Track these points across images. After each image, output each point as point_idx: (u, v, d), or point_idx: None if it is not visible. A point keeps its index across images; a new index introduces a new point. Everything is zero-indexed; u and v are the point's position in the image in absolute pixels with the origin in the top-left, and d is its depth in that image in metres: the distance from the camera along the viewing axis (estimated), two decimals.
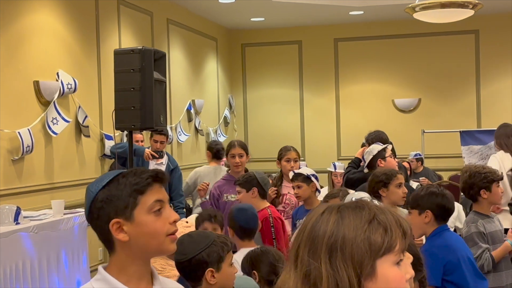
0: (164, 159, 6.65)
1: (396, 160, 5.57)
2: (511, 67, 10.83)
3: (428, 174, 8.80)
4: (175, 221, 1.76)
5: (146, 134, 7.33)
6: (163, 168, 6.42)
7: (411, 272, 1.38)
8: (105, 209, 1.70)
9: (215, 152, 6.88)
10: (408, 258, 2.11)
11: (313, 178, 4.92)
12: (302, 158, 11.00)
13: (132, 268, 1.73)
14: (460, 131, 9.80)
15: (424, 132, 10.29)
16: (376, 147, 5.32)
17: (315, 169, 10.51)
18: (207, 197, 5.39)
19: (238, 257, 3.30)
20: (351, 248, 1.33)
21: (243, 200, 4.53)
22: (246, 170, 5.52)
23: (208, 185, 5.63)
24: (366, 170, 5.22)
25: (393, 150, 5.48)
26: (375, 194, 4.28)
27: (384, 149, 5.28)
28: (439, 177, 9.11)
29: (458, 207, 6.51)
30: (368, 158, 5.27)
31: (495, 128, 9.89)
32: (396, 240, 1.35)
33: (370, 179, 4.39)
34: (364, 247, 1.32)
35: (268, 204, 4.66)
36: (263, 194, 4.62)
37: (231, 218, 3.84)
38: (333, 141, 11.46)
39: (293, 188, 4.92)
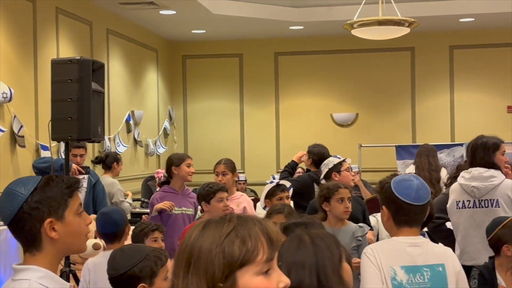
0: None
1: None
2: (445, 83, 11.15)
3: (366, 187, 8.95)
4: (89, 224, 1.97)
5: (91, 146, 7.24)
6: (85, 182, 6.32)
7: (285, 281, 1.37)
8: (40, 209, 1.85)
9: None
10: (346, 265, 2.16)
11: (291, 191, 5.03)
12: (242, 170, 11.06)
13: (55, 266, 1.90)
14: (395, 146, 10.01)
15: (361, 146, 10.47)
16: (333, 160, 5.38)
17: (254, 182, 10.61)
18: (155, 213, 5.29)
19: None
20: (205, 261, 1.32)
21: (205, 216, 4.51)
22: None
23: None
24: (323, 182, 5.27)
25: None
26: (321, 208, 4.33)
27: (340, 163, 5.34)
28: (375, 190, 9.28)
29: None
30: (324, 170, 5.33)
31: (430, 144, 10.18)
32: (258, 250, 1.33)
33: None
34: (218, 260, 1.31)
35: None
36: None
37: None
38: (273, 154, 11.54)
39: (271, 201, 4.89)
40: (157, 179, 8.01)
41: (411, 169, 7.52)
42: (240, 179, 10.26)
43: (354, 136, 11.06)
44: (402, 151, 9.87)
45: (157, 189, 7.48)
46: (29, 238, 1.87)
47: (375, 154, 10.79)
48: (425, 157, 7.38)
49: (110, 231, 3.79)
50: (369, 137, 11.02)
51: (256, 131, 11.59)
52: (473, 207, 4.31)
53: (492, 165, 4.32)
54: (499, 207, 4.25)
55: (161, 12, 9.05)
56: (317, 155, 6.27)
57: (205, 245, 1.33)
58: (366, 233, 4.20)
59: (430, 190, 2.89)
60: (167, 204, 5.16)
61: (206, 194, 4.54)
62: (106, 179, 6.89)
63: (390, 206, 2.81)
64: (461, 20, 10.08)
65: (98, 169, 7.42)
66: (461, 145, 9.02)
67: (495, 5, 9.42)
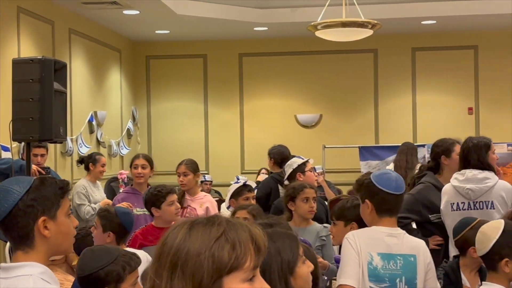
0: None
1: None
2: (408, 85, 11.29)
3: (329, 187, 9.00)
4: (76, 226, 2.06)
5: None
6: None
7: (266, 287, 1.35)
8: (35, 207, 1.92)
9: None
10: (309, 266, 2.16)
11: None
12: (206, 171, 11.03)
13: (46, 265, 1.95)
14: (359, 147, 10.10)
15: (325, 147, 10.53)
16: (297, 161, 5.40)
17: (219, 183, 10.60)
18: None
19: None
20: (193, 265, 1.28)
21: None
22: (148, 185, 5.47)
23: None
24: (286, 183, 5.28)
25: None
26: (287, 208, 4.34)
27: (304, 164, 5.36)
28: (338, 191, 9.34)
29: None
30: (288, 171, 5.34)
31: (392, 144, 10.31)
32: (246, 257, 1.30)
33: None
34: (207, 264, 1.27)
35: None
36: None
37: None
38: (237, 155, 11.54)
39: (237, 200, 4.84)
40: (120, 180, 7.93)
41: (390, 166, 7.57)
42: (206, 180, 10.25)
43: (318, 137, 11.12)
44: (365, 152, 9.96)
45: (120, 190, 7.44)
46: (22, 235, 1.92)
47: (339, 155, 10.86)
48: (404, 155, 7.41)
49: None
50: (333, 138, 11.09)
51: (221, 132, 11.58)
52: (468, 209, 4.30)
53: (487, 166, 4.32)
54: (494, 208, 4.26)
55: (124, 12, 8.98)
56: (278, 155, 6.31)
57: (193, 248, 1.29)
58: (330, 233, 4.22)
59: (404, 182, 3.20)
60: (124, 205, 5.13)
61: (155, 199, 4.32)
62: (78, 182, 6.80)
63: (373, 199, 3.09)
64: (423, 22, 10.22)
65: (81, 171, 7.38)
66: (423, 146, 9.12)
67: (457, 8, 9.56)
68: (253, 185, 5.02)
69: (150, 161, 5.45)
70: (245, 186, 4.92)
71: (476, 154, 4.31)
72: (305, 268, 2.12)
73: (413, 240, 3.16)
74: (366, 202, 3.13)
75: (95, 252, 2.67)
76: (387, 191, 3.07)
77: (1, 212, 1.92)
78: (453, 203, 4.32)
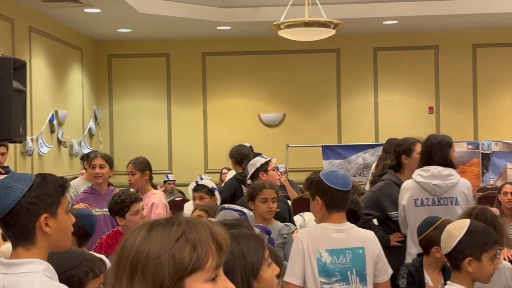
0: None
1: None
2: (370, 85, 11.39)
3: (292, 186, 9.04)
4: (73, 223, 2.10)
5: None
6: None
7: (229, 287, 1.34)
8: (37, 204, 1.94)
9: None
10: (274, 270, 2.14)
11: (216, 193, 4.94)
12: (169, 171, 10.98)
13: (45, 260, 1.98)
14: (322, 146, 10.16)
15: (288, 146, 10.57)
16: (259, 160, 5.40)
17: (182, 182, 10.54)
18: None
19: None
20: (153, 267, 1.25)
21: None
22: (109, 184, 5.42)
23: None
24: (249, 182, 5.28)
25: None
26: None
27: (267, 163, 5.37)
28: (301, 190, 9.39)
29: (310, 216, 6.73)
30: (251, 170, 5.34)
31: (355, 144, 10.41)
32: (208, 256, 1.28)
33: None
34: (168, 266, 1.25)
35: None
36: None
37: None
38: (201, 154, 11.51)
39: (194, 199, 4.86)
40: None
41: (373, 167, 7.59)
42: (169, 180, 10.20)
43: (281, 136, 11.15)
44: (328, 151, 10.03)
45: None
46: (23, 232, 1.95)
47: (302, 154, 10.91)
48: (384, 153, 7.46)
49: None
50: (296, 138, 11.13)
51: (184, 131, 11.53)
52: (432, 205, 4.34)
53: (449, 163, 4.38)
54: (457, 205, 4.32)
55: (85, 10, 8.88)
56: (238, 155, 6.34)
57: (153, 250, 1.26)
58: (293, 232, 4.23)
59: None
60: (81, 206, 5.08)
61: (119, 209, 4.17)
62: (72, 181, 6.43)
63: (323, 196, 3.26)
64: (384, 22, 10.32)
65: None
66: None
67: (418, 8, 9.68)
68: (210, 184, 5.01)
69: (108, 160, 5.39)
70: (198, 185, 4.93)
71: (440, 151, 4.37)
72: (270, 272, 2.09)
73: (362, 232, 3.32)
74: (316, 199, 3.28)
75: (59, 255, 2.60)
76: (336, 188, 3.24)
77: (3, 209, 1.94)
78: (417, 199, 4.37)
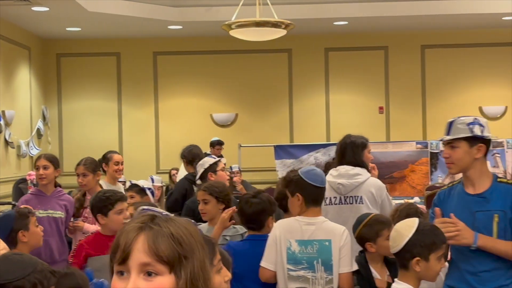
0: None
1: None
2: (321, 85, 11.47)
3: (246, 186, 9.04)
4: None
5: None
6: None
7: (138, 285, 1.35)
8: None
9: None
10: (225, 276, 2.11)
11: (148, 192, 4.88)
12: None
13: None
14: (274, 146, 10.18)
15: (240, 146, 10.56)
16: (208, 160, 5.39)
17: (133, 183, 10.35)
18: None
19: None
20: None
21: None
22: (57, 185, 5.31)
23: None
24: (199, 182, 5.27)
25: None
26: None
27: (216, 163, 5.35)
28: (281, 184, 9.39)
29: None
30: (200, 170, 5.32)
31: (306, 143, 10.47)
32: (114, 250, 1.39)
33: None
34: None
35: None
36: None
37: None
38: (152, 155, 11.41)
39: (131, 197, 4.83)
40: (29, 181, 7.69)
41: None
42: (119, 181, 10.06)
43: (234, 136, 11.14)
44: (280, 151, 10.06)
45: (29, 192, 7.20)
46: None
47: (254, 154, 10.92)
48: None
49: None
50: (249, 137, 11.14)
51: (135, 132, 11.41)
52: (339, 204, 4.47)
53: (361, 163, 4.49)
54: (362, 203, 4.42)
55: (33, 8, 8.70)
56: (189, 154, 6.32)
57: None
58: (241, 234, 4.19)
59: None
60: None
61: (102, 206, 3.93)
62: None
63: (303, 192, 3.59)
64: (335, 23, 10.40)
65: None
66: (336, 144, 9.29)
67: (368, 9, 9.79)
68: (143, 184, 5.03)
69: (53, 161, 5.23)
70: (130, 185, 5.11)
71: (352, 151, 4.49)
72: (218, 278, 2.04)
73: (331, 226, 3.61)
74: (296, 195, 3.61)
75: (10, 262, 2.47)
76: (315, 185, 3.59)
77: None
78: (327, 198, 4.44)
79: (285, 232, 3.55)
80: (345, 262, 3.53)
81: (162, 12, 9.79)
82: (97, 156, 6.17)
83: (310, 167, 3.71)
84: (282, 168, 9.95)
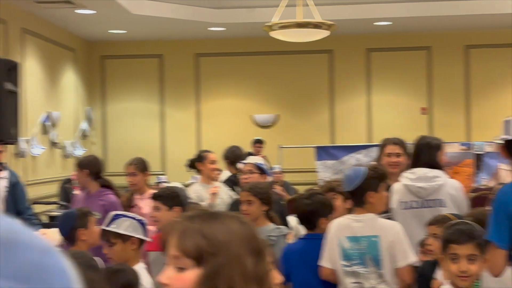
0: (5, 173, 6.31)
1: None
2: (363, 85, 11.41)
3: (287, 187, 9.05)
4: None
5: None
6: (4, 182, 6.12)
7: (169, 275, 1.48)
8: None
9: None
10: (276, 278, 2.12)
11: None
12: (163, 172, 10.97)
13: None
14: (315, 147, 10.16)
15: (281, 147, 10.57)
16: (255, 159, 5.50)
17: (176, 183, 10.48)
18: None
19: None
20: None
21: (162, 219, 4.01)
22: (105, 184, 5.39)
23: None
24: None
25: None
26: None
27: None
28: (295, 191, 9.39)
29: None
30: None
31: (348, 144, 10.41)
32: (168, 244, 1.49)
33: None
34: None
35: None
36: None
37: None
38: (193, 155, 11.48)
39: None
40: (74, 181, 7.82)
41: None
42: (161, 181, 10.17)
43: (275, 137, 11.15)
44: (322, 152, 10.03)
45: (74, 192, 7.35)
46: None
47: (295, 155, 10.91)
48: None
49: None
50: (289, 138, 11.13)
51: (177, 133, 11.52)
52: (419, 208, 4.31)
53: (437, 165, 4.36)
54: (444, 206, 4.28)
55: (78, 11, 8.86)
56: (233, 156, 6.33)
57: None
58: (284, 234, 4.20)
59: None
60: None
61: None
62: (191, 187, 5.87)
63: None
64: (377, 23, 10.33)
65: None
66: (378, 146, 9.24)
67: (411, 9, 9.70)
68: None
69: (81, 164, 5.36)
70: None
71: (427, 153, 4.37)
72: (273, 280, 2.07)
73: (380, 222, 3.67)
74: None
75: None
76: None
77: None
78: (405, 202, 4.35)
79: (337, 230, 3.67)
80: (401, 256, 3.58)
81: (204, 14, 9.87)
82: (140, 156, 6.23)
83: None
84: (323, 169, 9.92)
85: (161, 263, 3.82)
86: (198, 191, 5.60)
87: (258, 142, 9.93)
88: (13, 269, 0.45)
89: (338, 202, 4.10)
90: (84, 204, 5.10)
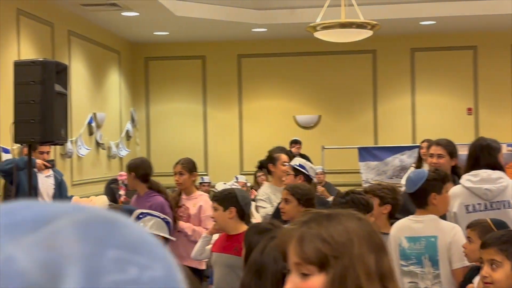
0: (50, 171, 6.44)
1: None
2: (407, 85, 11.30)
3: (329, 188, 9.02)
4: None
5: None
6: (51, 180, 6.26)
7: (295, 283, 1.47)
8: None
9: None
10: None
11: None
12: (205, 173, 11.04)
13: None
14: (358, 148, 10.10)
15: (324, 148, 10.54)
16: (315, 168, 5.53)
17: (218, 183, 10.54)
18: None
19: None
20: None
21: (218, 220, 4.08)
22: (153, 186, 5.46)
23: None
24: None
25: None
26: None
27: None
28: (338, 192, 9.35)
29: None
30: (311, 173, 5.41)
31: (391, 145, 10.32)
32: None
33: None
34: None
35: (246, 227, 3.95)
36: (242, 215, 4.04)
37: None
38: (236, 156, 11.55)
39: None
40: (120, 181, 7.93)
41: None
42: (204, 181, 10.24)
43: (317, 138, 11.13)
44: (365, 153, 9.97)
45: (120, 192, 7.45)
46: None
47: (338, 156, 10.87)
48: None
49: None
50: (332, 139, 11.09)
51: (219, 133, 11.58)
52: (484, 210, 4.20)
53: (498, 166, 4.28)
54: (510, 207, 4.19)
55: (123, 13, 8.98)
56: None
57: None
58: None
59: None
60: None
61: None
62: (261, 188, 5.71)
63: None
64: (422, 23, 10.23)
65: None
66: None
67: (456, 8, 9.57)
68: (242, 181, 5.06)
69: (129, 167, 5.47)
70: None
71: (489, 154, 4.27)
72: None
73: (439, 223, 3.69)
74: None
75: None
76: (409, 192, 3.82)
77: None
78: (468, 205, 4.23)
79: (397, 230, 3.73)
80: (457, 257, 3.58)
81: (247, 15, 9.90)
82: (183, 156, 6.29)
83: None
84: (366, 170, 9.86)
85: (222, 264, 3.87)
86: (267, 193, 5.43)
87: (296, 143, 9.92)
88: (121, 241, 0.48)
89: (374, 205, 4.03)
90: (135, 204, 5.18)
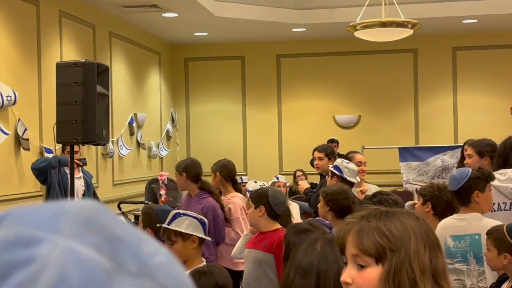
0: (80, 173, 6.51)
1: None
2: (448, 85, 11.15)
3: (369, 188, 8.95)
4: None
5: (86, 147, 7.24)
6: (81, 181, 6.34)
7: (351, 273, 1.51)
8: None
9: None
10: None
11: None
12: (244, 173, 11.06)
13: None
14: (398, 148, 10.00)
15: (364, 148, 10.45)
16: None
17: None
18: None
19: None
20: None
21: (250, 217, 4.22)
22: (204, 187, 5.43)
23: None
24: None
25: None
26: None
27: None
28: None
29: None
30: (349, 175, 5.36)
31: (433, 145, 10.20)
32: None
33: None
34: None
35: (279, 226, 4.08)
36: (273, 214, 4.07)
37: None
38: (275, 156, 11.54)
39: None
40: (160, 181, 8.00)
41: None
42: (243, 182, 10.26)
43: (357, 138, 11.06)
44: (405, 153, 9.85)
45: (161, 192, 7.51)
46: None
47: (378, 156, 10.77)
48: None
49: None
50: (372, 139, 11.01)
51: (259, 133, 11.59)
52: (510, 209, 4.18)
53: None
54: None
55: (163, 15, 9.06)
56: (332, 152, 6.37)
57: None
58: None
59: None
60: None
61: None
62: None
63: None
64: (464, 21, 10.09)
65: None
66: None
67: (498, 7, 9.42)
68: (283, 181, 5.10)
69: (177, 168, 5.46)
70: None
71: None
72: None
73: (482, 221, 3.68)
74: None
75: None
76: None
77: None
78: (494, 203, 4.18)
79: (442, 229, 3.73)
80: None
81: (286, 15, 9.89)
82: (224, 157, 6.32)
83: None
84: (407, 170, 9.74)
85: (251, 259, 3.93)
86: None
87: (333, 142, 9.87)
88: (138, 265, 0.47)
89: (418, 204, 4.10)
90: (185, 207, 5.17)
